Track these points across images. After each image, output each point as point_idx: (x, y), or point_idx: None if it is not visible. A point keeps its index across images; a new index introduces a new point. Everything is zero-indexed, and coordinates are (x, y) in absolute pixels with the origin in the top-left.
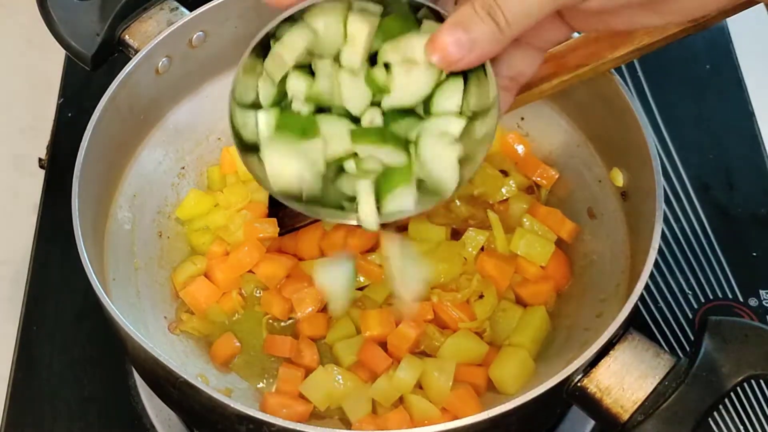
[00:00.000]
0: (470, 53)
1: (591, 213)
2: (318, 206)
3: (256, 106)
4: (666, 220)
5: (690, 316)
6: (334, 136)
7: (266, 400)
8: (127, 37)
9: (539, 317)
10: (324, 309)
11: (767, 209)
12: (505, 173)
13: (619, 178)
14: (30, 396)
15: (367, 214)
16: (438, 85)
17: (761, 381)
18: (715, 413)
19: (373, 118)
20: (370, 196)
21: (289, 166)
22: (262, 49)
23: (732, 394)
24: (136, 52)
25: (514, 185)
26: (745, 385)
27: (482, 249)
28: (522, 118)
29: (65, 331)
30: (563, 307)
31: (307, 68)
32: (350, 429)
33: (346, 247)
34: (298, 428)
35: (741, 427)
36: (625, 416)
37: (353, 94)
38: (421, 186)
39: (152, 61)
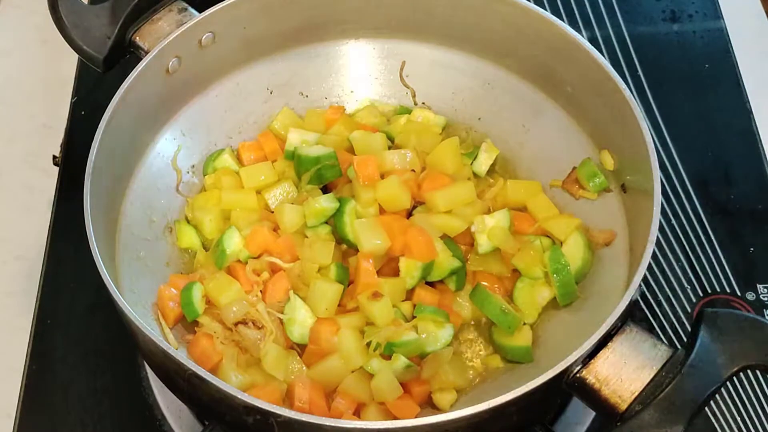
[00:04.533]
0: None
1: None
2: None
3: None
4: (665, 215)
5: (689, 309)
6: None
7: None
8: (137, 38)
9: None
10: None
11: (764, 205)
12: None
13: (609, 161)
14: (44, 387)
15: None
16: None
17: (757, 371)
18: (713, 403)
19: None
20: None
21: None
22: None
23: (729, 384)
24: (147, 53)
25: None
26: (742, 375)
27: None
28: (523, 125)
29: (78, 325)
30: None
31: None
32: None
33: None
34: (303, 419)
35: (738, 417)
36: (623, 406)
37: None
38: None
39: (162, 62)
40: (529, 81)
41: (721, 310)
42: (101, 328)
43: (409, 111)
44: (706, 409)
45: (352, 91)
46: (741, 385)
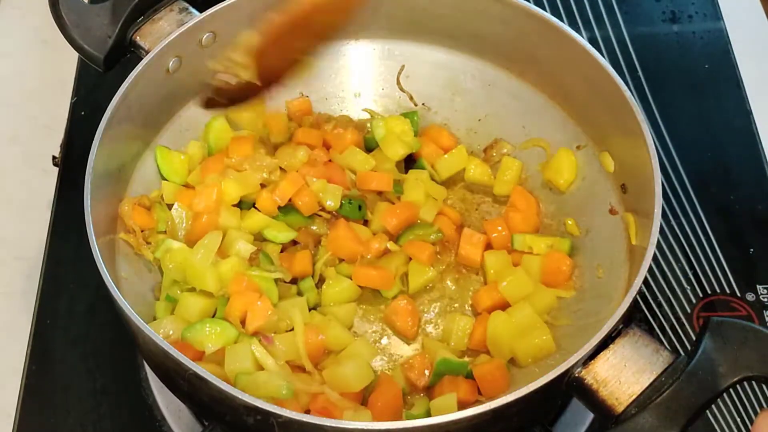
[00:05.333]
0: None
1: (613, 210)
2: None
3: None
4: (665, 216)
5: (688, 310)
6: None
7: None
8: (138, 38)
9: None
10: None
11: (764, 206)
12: None
13: (609, 163)
14: (43, 388)
15: None
16: None
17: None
18: (714, 408)
19: None
20: None
21: None
22: None
23: (731, 390)
24: (147, 52)
25: None
26: (746, 385)
27: None
28: (523, 127)
29: (78, 325)
30: (566, 303)
31: None
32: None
33: None
34: (303, 419)
35: (740, 423)
36: (620, 408)
37: None
38: None
39: (163, 62)
40: (529, 82)
41: (726, 319)
42: (101, 328)
43: (414, 114)
44: (708, 414)
45: (353, 93)
46: (743, 390)
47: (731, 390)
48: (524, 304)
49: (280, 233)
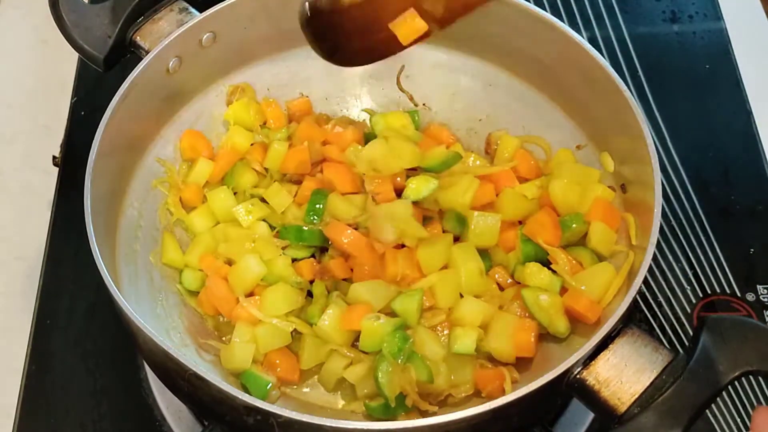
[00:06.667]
0: None
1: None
2: None
3: None
4: (665, 216)
5: (688, 310)
6: None
7: None
8: (138, 38)
9: None
10: None
11: (764, 206)
12: None
13: (609, 162)
14: (43, 388)
15: None
16: None
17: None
18: (715, 409)
19: None
20: None
21: None
22: None
23: (732, 391)
24: (147, 52)
25: None
26: (745, 382)
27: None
28: (523, 127)
29: (78, 325)
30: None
31: None
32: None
33: None
34: (303, 419)
35: (738, 420)
36: (622, 408)
37: None
38: None
39: (163, 62)
40: (529, 82)
41: (724, 315)
42: (101, 328)
43: (414, 112)
44: (708, 412)
45: (353, 93)
46: (742, 387)
47: (731, 387)
48: None
49: (299, 251)
